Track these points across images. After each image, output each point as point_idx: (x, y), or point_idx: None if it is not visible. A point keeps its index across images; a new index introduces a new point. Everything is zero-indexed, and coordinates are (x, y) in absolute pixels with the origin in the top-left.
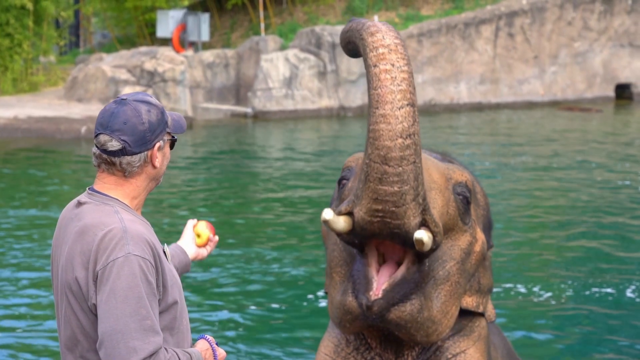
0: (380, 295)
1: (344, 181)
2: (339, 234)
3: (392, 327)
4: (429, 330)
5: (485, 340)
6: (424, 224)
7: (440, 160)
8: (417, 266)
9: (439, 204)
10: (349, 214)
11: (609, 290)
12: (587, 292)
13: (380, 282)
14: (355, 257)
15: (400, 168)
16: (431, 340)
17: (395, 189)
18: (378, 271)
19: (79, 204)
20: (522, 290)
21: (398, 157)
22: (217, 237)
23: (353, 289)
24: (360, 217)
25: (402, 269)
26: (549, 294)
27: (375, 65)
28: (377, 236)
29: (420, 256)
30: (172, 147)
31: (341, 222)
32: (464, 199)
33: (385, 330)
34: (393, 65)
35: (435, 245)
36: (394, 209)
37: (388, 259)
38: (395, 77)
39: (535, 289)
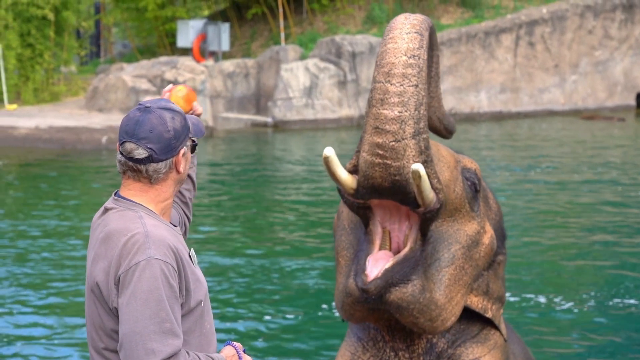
0: (379, 275)
1: None
2: (343, 196)
3: (393, 309)
4: (432, 314)
5: (502, 349)
6: None
7: None
8: (421, 246)
9: (445, 176)
10: (354, 172)
11: (632, 301)
12: (610, 303)
13: (376, 264)
14: (361, 240)
15: (402, 87)
16: (436, 326)
17: (396, 113)
18: (380, 248)
19: (106, 210)
20: (543, 300)
21: (400, 74)
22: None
23: (355, 270)
24: (363, 161)
25: (406, 250)
26: (571, 304)
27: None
28: (379, 190)
29: (424, 230)
30: (193, 150)
31: (344, 172)
32: (472, 185)
33: (389, 316)
34: (409, 15)
35: (439, 203)
36: (393, 142)
37: (393, 243)
38: (408, 17)
39: (557, 299)
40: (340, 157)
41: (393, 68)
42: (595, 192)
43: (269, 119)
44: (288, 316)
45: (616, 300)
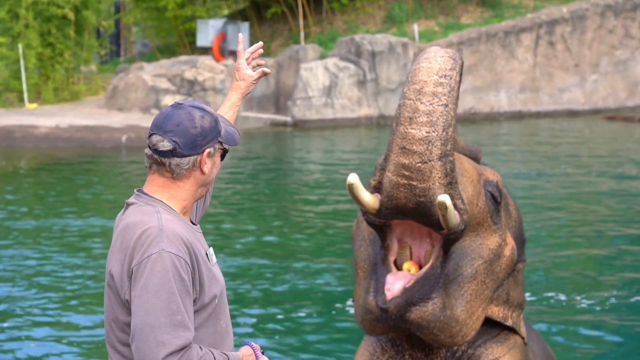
0: (398, 294)
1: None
2: (365, 213)
3: (414, 328)
4: (453, 331)
5: (521, 349)
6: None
7: None
8: (442, 262)
9: (469, 192)
10: (377, 188)
11: None
12: (632, 300)
13: (395, 283)
14: (378, 254)
15: (431, 106)
16: (456, 342)
17: (423, 133)
18: (399, 261)
19: (127, 205)
20: (563, 298)
21: (431, 93)
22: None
23: (375, 287)
24: (387, 181)
25: (426, 268)
26: (591, 302)
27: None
28: (403, 211)
29: (447, 248)
30: (222, 157)
31: (367, 195)
32: (493, 197)
33: (410, 332)
34: (441, 48)
35: (463, 225)
36: (419, 164)
37: (413, 257)
38: (443, 48)
39: (577, 297)
40: (359, 157)
41: (424, 86)
42: (615, 191)
43: (288, 118)
44: (303, 315)
45: (637, 298)
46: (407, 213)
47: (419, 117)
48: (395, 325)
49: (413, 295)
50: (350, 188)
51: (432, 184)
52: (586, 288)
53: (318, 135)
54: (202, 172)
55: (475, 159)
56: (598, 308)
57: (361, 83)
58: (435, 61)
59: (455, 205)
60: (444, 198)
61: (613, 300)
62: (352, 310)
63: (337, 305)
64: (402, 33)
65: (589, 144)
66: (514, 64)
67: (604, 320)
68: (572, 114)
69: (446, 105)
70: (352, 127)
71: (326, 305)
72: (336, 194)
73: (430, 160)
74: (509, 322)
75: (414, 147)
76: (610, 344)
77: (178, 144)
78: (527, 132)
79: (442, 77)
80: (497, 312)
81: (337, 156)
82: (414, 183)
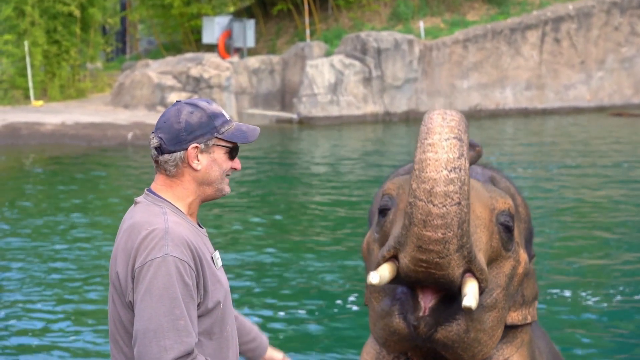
0: (427, 313)
1: (385, 210)
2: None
3: (440, 347)
4: (475, 350)
5: (528, 346)
6: (468, 270)
7: (481, 174)
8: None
9: (483, 242)
10: (392, 258)
11: None
12: (637, 297)
13: (426, 302)
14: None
15: (445, 208)
16: (477, 359)
17: (439, 235)
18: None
19: (136, 203)
20: (568, 294)
21: (442, 193)
22: None
23: (400, 310)
24: (405, 265)
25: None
26: (597, 298)
27: (428, 113)
28: (422, 283)
29: None
30: (232, 155)
31: (386, 276)
32: (507, 228)
33: (430, 351)
34: (446, 113)
35: (481, 291)
36: (437, 259)
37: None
38: (446, 117)
39: (583, 293)
40: (365, 154)
41: (435, 185)
42: (621, 188)
43: (294, 116)
44: (306, 312)
45: None
46: (426, 285)
47: (432, 220)
48: (420, 345)
49: (440, 315)
50: (374, 286)
51: (452, 270)
52: (591, 284)
53: (324, 132)
54: (193, 169)
55: (477, 161)
56: (604, 304)
57: (367, 80)
58: (442, 149)
59: (473, 274)
60: (470, 303)
61: (619, 297)
62: (354, 308)
63: (338, 302)
64: (408, 30)
65: (594, 140)
66: (520, 61)
67: (610, 317)
68: (578, 111)
69: (459, 204)
70: (358, 124)
71: (329, 302)
72: (341, 191)
73: (447, 256)
74: (529, 319)
75: (431, 247)
76: (615, 342)
77: (163, 140)
78: (532, 129)
79: (451, 170)
80: (516, 317)
81: (343, 153)
82: (433, 271)
